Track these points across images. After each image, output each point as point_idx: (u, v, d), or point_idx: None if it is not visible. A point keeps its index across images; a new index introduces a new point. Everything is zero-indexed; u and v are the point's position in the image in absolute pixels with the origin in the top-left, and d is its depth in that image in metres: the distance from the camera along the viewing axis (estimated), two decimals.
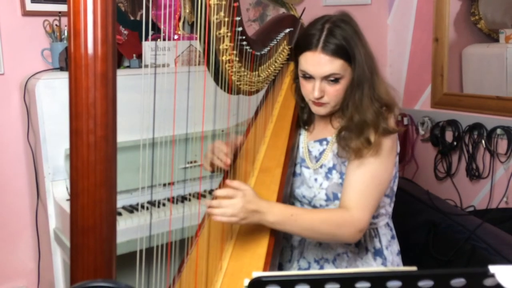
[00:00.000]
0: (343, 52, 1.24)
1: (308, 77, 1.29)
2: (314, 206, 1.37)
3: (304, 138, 1.44)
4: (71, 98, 0.76)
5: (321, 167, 1.36)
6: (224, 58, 1.23)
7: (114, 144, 0.79)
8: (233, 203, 1.12)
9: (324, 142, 1.38)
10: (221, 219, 1.13)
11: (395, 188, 1.40)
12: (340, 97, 1.29)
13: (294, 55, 1.38)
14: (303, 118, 1.44)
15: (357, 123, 1.26)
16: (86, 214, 0.78)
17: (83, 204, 0.78)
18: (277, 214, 1.16)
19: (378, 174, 1.26)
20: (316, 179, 1.36)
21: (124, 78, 1.78)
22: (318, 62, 1.25)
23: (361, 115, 1.26)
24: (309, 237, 1.29)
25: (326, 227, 1.20)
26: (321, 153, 1.38)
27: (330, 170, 1.34)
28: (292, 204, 1.44)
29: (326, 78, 1.26)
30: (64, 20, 2.04)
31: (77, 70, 0.75)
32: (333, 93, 1.28)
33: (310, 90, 1.29)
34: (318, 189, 1.35)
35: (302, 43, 1.30)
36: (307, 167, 1.39)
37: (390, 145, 1.28)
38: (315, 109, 1.33)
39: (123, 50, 2.08)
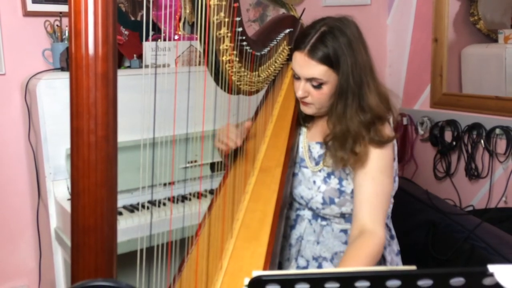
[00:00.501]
0: (328, 60, 1.24)
1: (297, 76, 1.31)
2: (311, 208, 1.38)
3: (304, 138, 1.45)
4: (72, 98, 0.77)
5: (320, 170, 1.37)
6: (224, 58, 1.24)
7: (114, 143, 0.79)
8: None
9: (325, 146, 1.38)
10: None
11: (393, 193, 1.39)
12: (324, 100, 1.30)
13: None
14: (302, 114, 1.44)
15: (338, 133, 1.27)
16: (87, 213, 0.78)
17: (84, 203, 0.78)
18: None
19: (386, 187, 1.27)
20: (314, 181, 1.37)
21: (125, 78, 1.78)
22: (303, 64, 1.27)
23: (343, 125, 1.26)
24: None
25: (373, 261, 1.20)
26: (320, 156, 1.38)
27: (329, 175, 1.35)
28: (291, 204, 1.45)
29: (309, 80, 1.28)
30: (65, 21, 2.05)
31: (78, 70, 0.75)
32: (316, 95, 1.29)
33: (297, 89, 1.32)
34: (316, 192, 1.35)
35: (296, 41, 1.32)
36: (306, 167, 1.40)
37: (385, 154, 1.27)
38: (302, 107, 1.37)
39: (123, 51, 2.09)
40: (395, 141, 1.33)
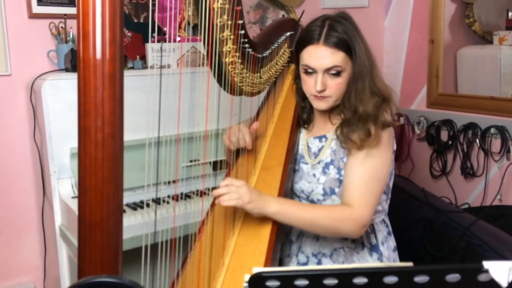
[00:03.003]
0: (345, 44, 1.27)
1: (310, 71, 1.31)
2: (312, 201, 1.40)
3: (303, 135, 1.47)
4: (79, 97, 0.78)
5: (319, 162, 1.39)
6: (227, 60, 1.26)
7: (121, 141, 0.81)
8: (238, 185, 1.18)
9: (323, 139, 1.40)
10: (228, 203, 1.18)
11: (391, 185, 1.42)
12: (341, 90, 1.31)
13: (295, 54, 1.39)
14: (303, 117, 1.46)
15: (361, 114, 1.28)
16: (94, 209, 0.79)
17: (91, 199, 0.79)
18: (280, 203, 1.22)
19: (378, 170, 1.28)
20: (314, 174, 1.39)
21: (128, 79, 1.80)
22: (320, 55, 1.28)
23: (365, 107, 1.28)
24: (310, 229, 1.31)
25: (328, 221, 1.24)
26: (319, 150, 1.40)
27: (327, 165, 1.37)
28: (291, 198, 1.48)
29: (328, 71, 1.28)
30: (70, 22, 2.07)
31: (86, 70, 0.77)
32: (334, 86, 1.30)
33: (312, 85, 1.31)
34: (316, 184, 1.38)
35: (303, 39, 1.33)
36: (306, 163, 1.42)
37: (387, 139, 1.30)
38: (316, 104, 1.35)
39: (126, 52, 2.12)
40: (393, 132, 1.35)
